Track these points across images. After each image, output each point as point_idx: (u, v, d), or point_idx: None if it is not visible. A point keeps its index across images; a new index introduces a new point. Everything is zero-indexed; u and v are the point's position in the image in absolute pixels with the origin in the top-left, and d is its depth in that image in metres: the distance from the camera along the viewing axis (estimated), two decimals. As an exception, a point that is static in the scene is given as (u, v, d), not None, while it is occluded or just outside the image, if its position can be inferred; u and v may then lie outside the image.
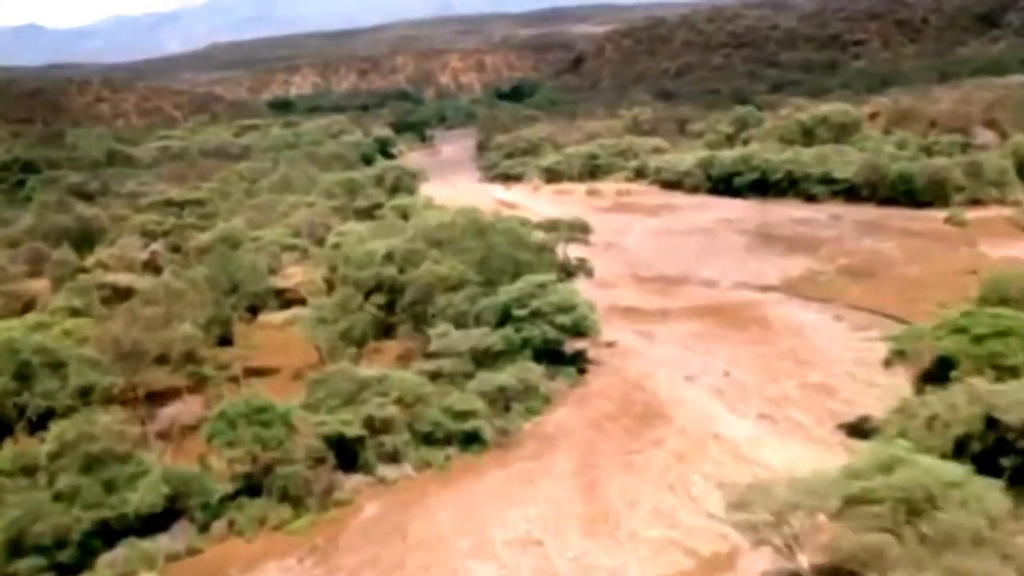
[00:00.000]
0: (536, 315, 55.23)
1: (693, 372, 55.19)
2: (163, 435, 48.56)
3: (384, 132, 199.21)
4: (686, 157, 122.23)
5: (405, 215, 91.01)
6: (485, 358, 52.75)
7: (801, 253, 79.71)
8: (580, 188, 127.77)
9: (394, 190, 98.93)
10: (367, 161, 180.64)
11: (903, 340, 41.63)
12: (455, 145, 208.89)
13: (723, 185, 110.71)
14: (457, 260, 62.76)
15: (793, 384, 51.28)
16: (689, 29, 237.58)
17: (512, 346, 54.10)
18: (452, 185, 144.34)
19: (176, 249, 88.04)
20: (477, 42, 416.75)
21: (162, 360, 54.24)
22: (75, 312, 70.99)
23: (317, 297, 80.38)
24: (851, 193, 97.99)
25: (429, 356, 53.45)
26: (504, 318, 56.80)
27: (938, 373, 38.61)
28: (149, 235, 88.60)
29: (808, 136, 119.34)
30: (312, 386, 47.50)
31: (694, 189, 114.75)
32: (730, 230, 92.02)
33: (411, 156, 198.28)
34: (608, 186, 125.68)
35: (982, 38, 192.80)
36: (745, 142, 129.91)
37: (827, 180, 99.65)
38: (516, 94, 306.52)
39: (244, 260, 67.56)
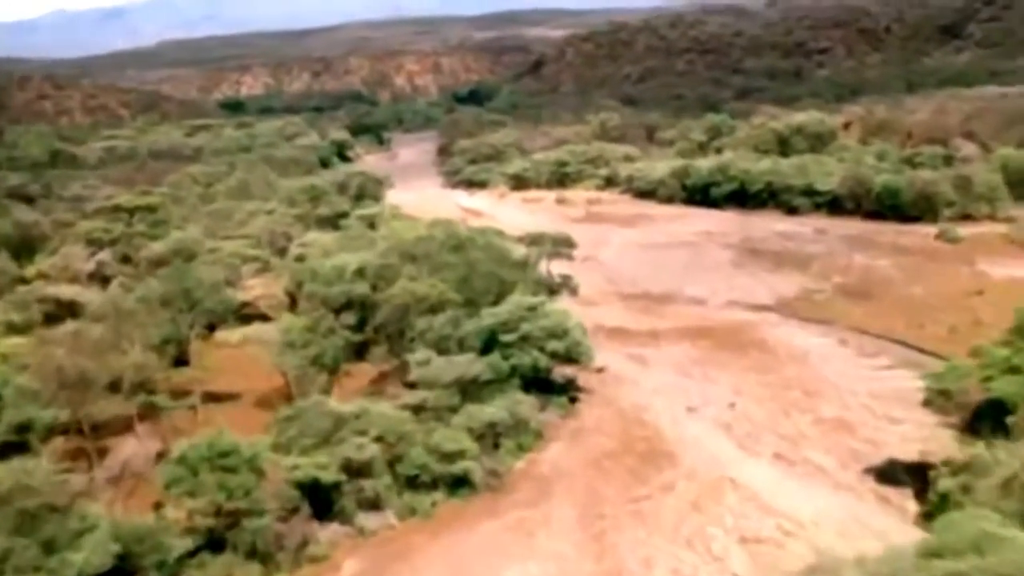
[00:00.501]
0: (526, 340, 50.59)
1: (695, 403, 50.93)
2: (114, 480, 43.10)
3: (341, 135, 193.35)
4: (658, 166, 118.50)
5: (372, 225, 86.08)
6: (471, 388, 48.00)
7: (791, 269, 75.99)
8: (549, 196, 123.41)
9: (359, 197, 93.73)
10: (324, 164, 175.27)
11: (946, 379, 37.58)
12: (414, 149, 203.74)
13: (699, 195, 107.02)
14: (435, 277, 58.00)
15: (807, 420, 47.16)
16: (651, 34, 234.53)
17: (500, 375, 49.42)
18: (413, 191, 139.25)
19: (125, 259, 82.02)
20: (433, 44, 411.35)
21: (112, 387, 48.80)
22: (13, 328, 65.12)
23: (278, 311, 75.76)
24: (834, 206, 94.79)
25: (409, 386, 48.54)
26: (489, 343, 52.16)
27: (989, 418, 34.54)
28: (95, 243, 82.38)
29: (783, 145, 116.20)
30: (282, 423, 42.37)
31: (668, 199, 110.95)
32: (713, 243, 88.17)
33: (368, 160, 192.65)
34: (578, 194, 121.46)
35: (945, 48, 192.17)
36: (718, 150, 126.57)
37: (809, 192, 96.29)
38: (474, 97, 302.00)
39: (201, 275, 61.96)
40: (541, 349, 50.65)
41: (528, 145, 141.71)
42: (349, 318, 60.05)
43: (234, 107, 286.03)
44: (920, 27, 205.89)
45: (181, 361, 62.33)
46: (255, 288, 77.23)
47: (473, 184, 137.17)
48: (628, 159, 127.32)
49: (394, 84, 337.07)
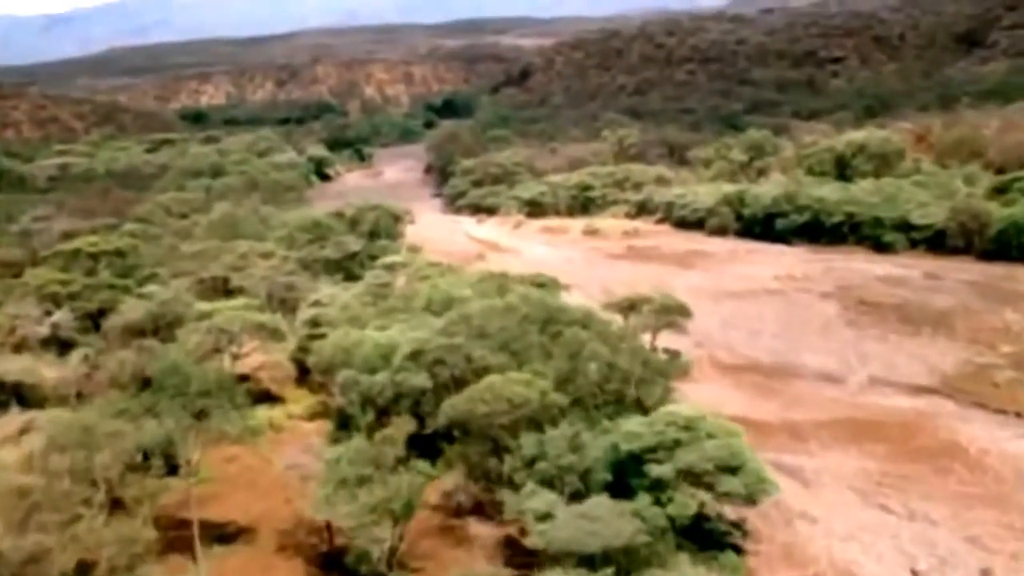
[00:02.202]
0: (685, 475, 35.23)
1: (921, 565, 35.82)
2: None
3: (318, 151, 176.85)
4: (700, 190, 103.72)
5: (391, 271, 70.08)
6: (620, 557, 32.51)
7: (930, 331, 61.22)
8: (574, 226, 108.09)
9: (372, 235, 77.60)
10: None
11: None
12: (396, 166, 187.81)
13: (759, 227, 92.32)
14: (527, 368, 42.51)
15: None
16: (646, 42, 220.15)
17: (653, 530, 34.00)
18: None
19: (89, 319, 65.47)
20: (401, 52, 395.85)
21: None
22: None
23: (284, 386, 60.16)
24: (934, 243, 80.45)
25: (532, 556, 32.89)
26: (620, 472, 36.80)
27: None
28: (49, 299, 65.65)
29: (843, 167, 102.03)
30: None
31: (720, 231, 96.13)
32: (805, 292, 73.22)
33: (349, 178, 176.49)
34: (609, 224, 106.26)
35: (969, 58, 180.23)
36: (760, 172, 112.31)
37: (903, 225, 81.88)
38: (449, 108, 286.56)
39: (196, 371, 45.73)
40: (709, 487, 35.37)
41: (540, 165, 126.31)
42: (402, 422, 44.35)
43: (195, 118, 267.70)
44: (935, 35, 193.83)
45: (172, 468, 46.45)
46: (252, 355, 61.32)
47: (480, 210, 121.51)
48: (660, 181, 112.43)
49: (363, 93, 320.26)
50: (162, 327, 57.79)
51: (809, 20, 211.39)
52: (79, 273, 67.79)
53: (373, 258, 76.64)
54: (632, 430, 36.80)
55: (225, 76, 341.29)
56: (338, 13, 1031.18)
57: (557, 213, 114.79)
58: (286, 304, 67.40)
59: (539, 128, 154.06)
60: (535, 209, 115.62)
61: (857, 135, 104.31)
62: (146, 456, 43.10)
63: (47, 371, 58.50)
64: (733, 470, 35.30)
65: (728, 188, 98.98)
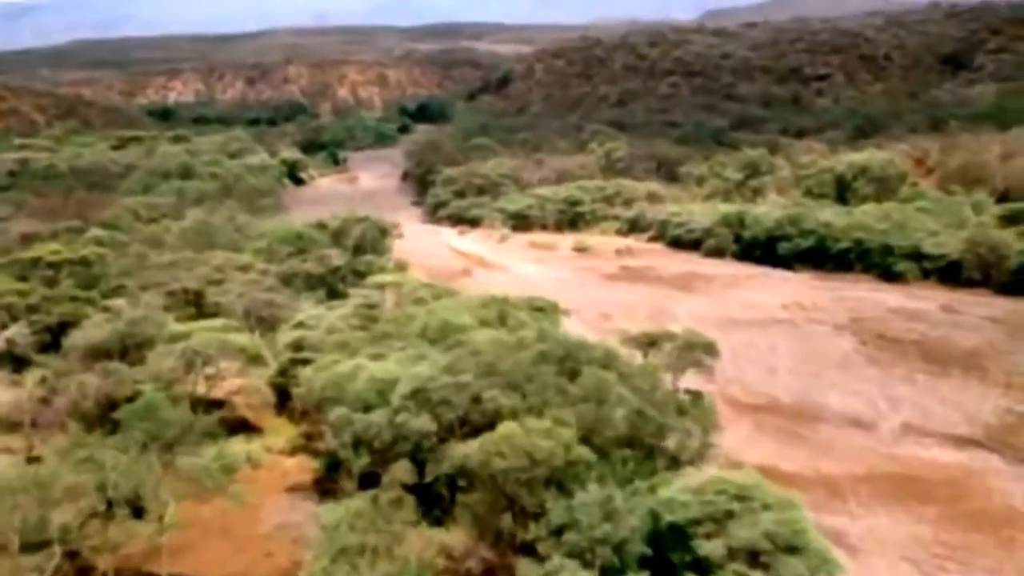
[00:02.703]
0: (737, 554, 30.64)
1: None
2: None
3: (292, 153, 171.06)
4: (695, 209, 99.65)
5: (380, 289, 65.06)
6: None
7: (960, 372, 57.24)
8: (562, 241, 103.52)
9: (357, 249, 72.40)
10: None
11: None
12: (372, 171, 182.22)
13: (759, 251, 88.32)
14: (540, 408, 37.84)
15: None
16: (629, 52, 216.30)
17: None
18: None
19: (48, 332, 59.86)
20: (374, 55, 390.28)
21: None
22: None
23: (262, 415, 55.21)
24: (947, 274, 76.76)
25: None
26: (659, 545, 32.19)
27: None
28: (4, 310, 60.01)
29: (843, 189, 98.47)
30: None
31: (717, 252, 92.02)
32: (816, 323, 69.09)
33: (323, 183, 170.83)
34: (600, 241, 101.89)
35: (955, 80, 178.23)
36: (756, 192, 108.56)
37: (915, 255, 78.13)
38: (424, 112, 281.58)
39: (161, 385, 40.58)
40: (765, 568, 30.81)
41: (525, 177, 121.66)
42: (402, 470, 39.44)
43: (163, 115, 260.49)
44: (921, 56, 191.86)
45: (137, 510, 41.23)
46: (226, 379, 56.09)
47: (462, 221, 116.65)
48: (652, 198, 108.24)
49: (336, 95, 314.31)
50: (130, 347, 52.42)
51: (794, 36, 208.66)
52: (38, 283, 62.17)
53: (358, 274, 71.59)
54: (675, 498, 32.11)
55: (194, 73, 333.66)
56: (307, 14, 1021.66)
57: (543, 227, 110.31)
58: (265, 322, 62.30)
59: (522, 138, 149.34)
60: (520, 222, 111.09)
61: (858, 156, 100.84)
62: (110, 503, 38.03)
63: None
64: (794, 549, 30.80)
65: (726, 208, 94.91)
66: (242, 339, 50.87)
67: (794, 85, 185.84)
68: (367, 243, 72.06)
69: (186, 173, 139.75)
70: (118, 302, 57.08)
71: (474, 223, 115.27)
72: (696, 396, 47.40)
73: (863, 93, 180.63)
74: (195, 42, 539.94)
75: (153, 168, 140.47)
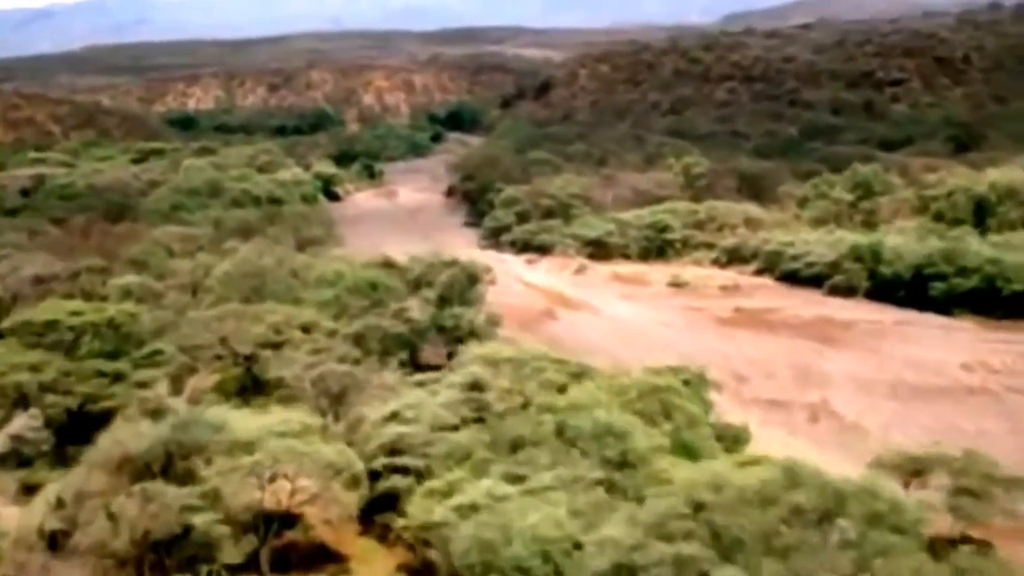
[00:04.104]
0: None
1: None
2: None
3: (326, 167, 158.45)
4: (809, 238, 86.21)
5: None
6: None
7: None
8: (653, 274, 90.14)
9: (443, 300, 59.14)
10: (306, 203, 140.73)
11: None
12: (410, 185, 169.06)
13: (902, 291, 74.81)
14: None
15: None
16: (680, 57, 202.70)
17: None
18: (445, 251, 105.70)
19: (66, 415, 46.99)
20: (398, 59, 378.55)
21: None
22: None
23: (342, 532, 42.74)
24: None
25: None
26: None
27: None
28: (11, 391, 47.04)
29: (983, 214, 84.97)
30: None
31: (846, 291, 78.49)
32: (1021, 392, 55.51)
33: (360, 199, 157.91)
34: (696, 274, 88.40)
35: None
36: (870, 215, 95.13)
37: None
38: (455, 120, 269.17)
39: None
40: None
41: (597, 197, 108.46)
42: None
43: (184, 123, 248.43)
44: (1002, 58, 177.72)
45: None
46: (286, 480, 42.83)
47: (529, 247, 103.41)
48: (751, 223, 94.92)
49: (361, 101, 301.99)
50: (175, 457, 39.45)
51: (862, 38, 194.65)
52: (54, 353, 49.20)
53: (442, 329, 58.57)
54: None
55: (214, 79, 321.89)
56: (322, 19, 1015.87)
57: (625, 256, 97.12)
58: (339, 400, 49.19)
59: (581, 150, 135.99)
60: (598, 251, 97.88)
61: (999, 175, 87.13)
62: None
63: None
64: None
65: (854, 237, 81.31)
66: (329, 452, 37.76)
67: (866, 91, 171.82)
68: (455, 292, 58.73)
69: (214, 190, 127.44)
70: (158, 391, 44.20)
71: (543, 250, 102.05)
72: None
73: (943, 99, 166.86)
74: (212, 47, 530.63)
75: (178, 185, 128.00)
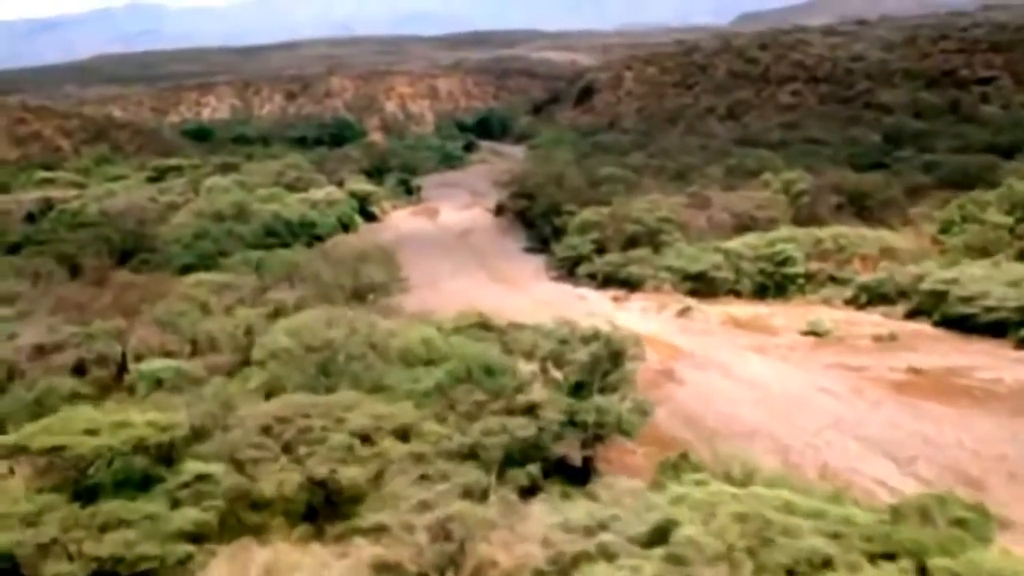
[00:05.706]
0: None
1: None
2: None
3: (359, 183, 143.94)
4: (976, 273, 70.98)
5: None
6: None
7: None
8: (775, 318, 74.92)
9: (579, 387, 44.14)
10: (344, 228, 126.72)
11: None
12: (450, 202, 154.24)
13: (1122, 345, 59.64)
14: None
15: None
16: (736, 57, 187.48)
17: None
18: (514, 289, 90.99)
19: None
20: (416, 64, 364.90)
21: None
22: None
23: None
24: None
25: None
26: None
27: None
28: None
29: None
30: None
31: (1038, 343, 63.33)
32: None
33: (397, 218, 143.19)
34: (833, 318, 72.96)
35: None
36: (1021, 238, 79.88)
37: None
38: (484, 127, 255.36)
39: None
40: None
41: (689, 220, 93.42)
42: None
43: (200, 135, 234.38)
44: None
45: None
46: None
47: (612, 281, 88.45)
48: (886, 253, 79.81)
49: (383, 109, 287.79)
50: None
51: (937, 33, 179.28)
52: (60, 493, 34.43)
53: (581, 425, 43.59)
54: None
55: (228, 87, 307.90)
56: (330, 25, 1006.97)
57: (735, 294, 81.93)
58: (463, 548, 34.33)
59: (654, 164, 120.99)
60: (700, 287, 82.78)
61: None
62: None
63: None
64: None
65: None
66: None
67: (948, 91, 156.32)
68: (595, 376, 43.67)
69: (241, 213, 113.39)
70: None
71: (631, 286, 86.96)
72: None
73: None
74: (223, 54, 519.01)
75: (200, 209, 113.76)
